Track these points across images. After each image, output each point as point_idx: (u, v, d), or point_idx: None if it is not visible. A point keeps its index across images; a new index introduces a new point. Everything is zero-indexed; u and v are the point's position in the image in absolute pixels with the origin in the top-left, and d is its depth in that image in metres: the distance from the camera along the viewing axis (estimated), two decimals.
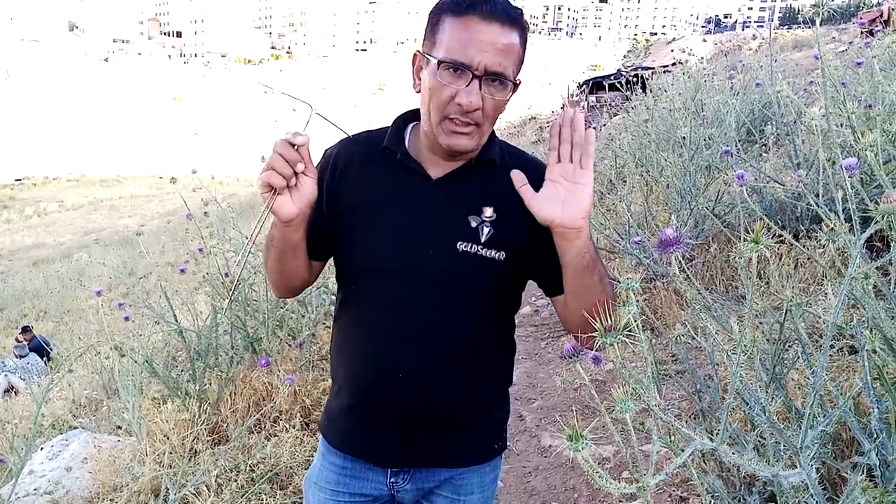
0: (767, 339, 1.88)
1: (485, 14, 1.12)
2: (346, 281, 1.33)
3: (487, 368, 1.33)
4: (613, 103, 12.78)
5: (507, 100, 1.20)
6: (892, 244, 1.42)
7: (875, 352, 1.28)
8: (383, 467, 1.33)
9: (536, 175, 1.26)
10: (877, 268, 1.87)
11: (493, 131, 1.29)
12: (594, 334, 0.83)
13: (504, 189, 1.23)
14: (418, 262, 1.23)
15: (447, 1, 1.17)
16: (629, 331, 0.87)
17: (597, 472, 0.80)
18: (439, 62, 1.14)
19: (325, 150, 1.36)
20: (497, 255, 1.23)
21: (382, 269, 1.26)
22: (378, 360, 1.24)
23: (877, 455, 1.47)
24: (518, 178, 1.18)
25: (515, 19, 1.15)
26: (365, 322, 1.29)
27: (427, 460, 1.33)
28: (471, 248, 1.22)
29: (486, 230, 1.23)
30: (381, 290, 1.26)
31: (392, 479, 1.34)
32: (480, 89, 1.14)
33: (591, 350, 0.95)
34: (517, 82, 1.19)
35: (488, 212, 1.24)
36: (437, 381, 1.25)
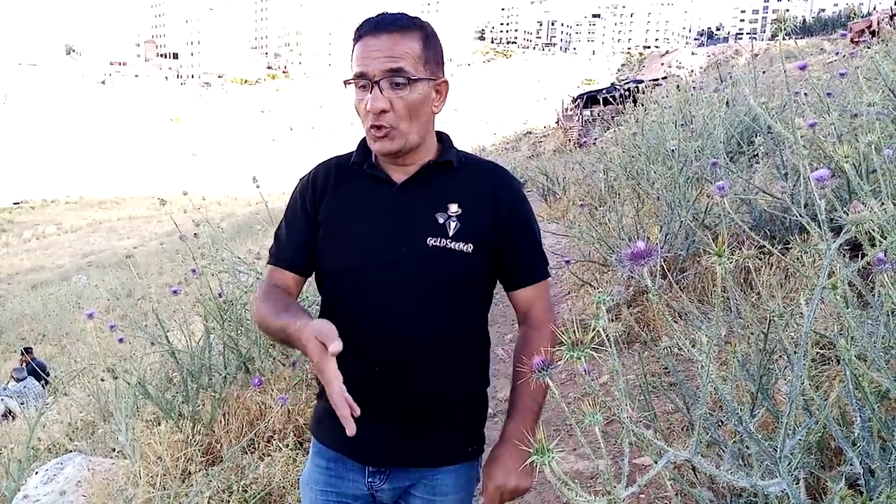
0: (754, 351, 1.88)
1: (374, 30, 1.27)
2: (326, 287, 1.41)
3: (461, 364, 1.39)
4: (605, 117, 12.87)
5: (422, 98, 1.29)
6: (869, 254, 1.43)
7: (851, 361, 1.29)
8: (363, 464, 1.39)
9: (490, 172, 1.42)
10: (861, 278, 1.88)
11: (448, 140, 1.42)
12: (561, 348, 0.84)
13: (465, 186, 1.36)
14: (392, 261, 1.32)
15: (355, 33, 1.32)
16: (601, 345, 0.88)
17: (566, 485, 0.81)
18: (348, 81, 1.30)
19: (302, 177, 1.46)
20: (465, 248, 1.32)
21: (357, 270, 1.34)
22: (355, 356, 1.26)
23: (861, 464, 1.48)
24: None
25: (405, 25, 1.28)
26: (342, 321, 1.32)
27: (403, 459, 1.38)
28: (440, 241, 1.32)
29: (453, 225, 1.33)
30: (358, 290, 1.34)
31: (370, 479, 1.39)
32: (382, 93, 1.26)
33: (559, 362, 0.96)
34: (420, 78, 1.28)
35: (453, 208, 1.34)
36: (412, 375, 1.32)
